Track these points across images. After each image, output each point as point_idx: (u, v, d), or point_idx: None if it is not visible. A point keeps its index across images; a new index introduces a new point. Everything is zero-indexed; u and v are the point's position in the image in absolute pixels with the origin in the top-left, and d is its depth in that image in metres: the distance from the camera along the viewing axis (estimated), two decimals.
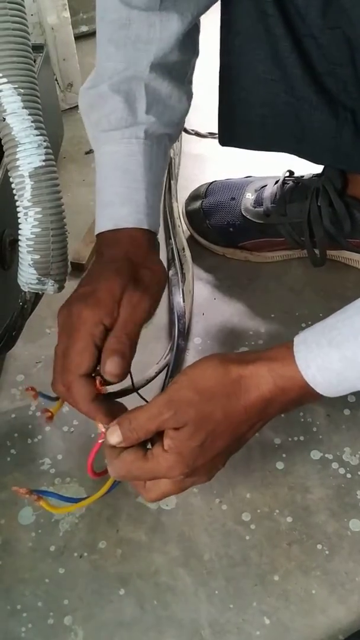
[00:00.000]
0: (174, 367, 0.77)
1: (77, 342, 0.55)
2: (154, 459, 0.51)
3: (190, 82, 0.71)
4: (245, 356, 0.52)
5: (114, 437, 0.52)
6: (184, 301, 0.84)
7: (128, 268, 0.58)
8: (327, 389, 0.50)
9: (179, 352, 0.78)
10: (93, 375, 0.56)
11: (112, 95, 0.64)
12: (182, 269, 0.89)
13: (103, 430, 0.54)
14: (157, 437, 0.52)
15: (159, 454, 0.51)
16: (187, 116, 0.71)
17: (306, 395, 0.51)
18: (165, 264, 0.90)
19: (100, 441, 0.54)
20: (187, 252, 0.90)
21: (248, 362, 0.51)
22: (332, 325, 0.49)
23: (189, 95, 0.70)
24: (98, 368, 0.56)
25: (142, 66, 0.64)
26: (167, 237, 0.94)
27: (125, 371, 0.56)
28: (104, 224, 0.63)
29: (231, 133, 0.82)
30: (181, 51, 0.66)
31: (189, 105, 0.70)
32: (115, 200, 0.63)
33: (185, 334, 0.81)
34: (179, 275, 0.87)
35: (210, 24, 0.71)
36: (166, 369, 0.76)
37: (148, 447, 0.53)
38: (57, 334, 0.58)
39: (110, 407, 0.56)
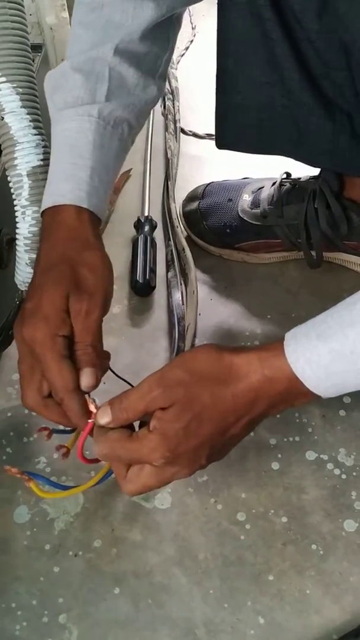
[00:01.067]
0: None
1: (49, 363, 0.54)
2: (138, 439, 0.52)
3: (163, 78, 0.69)
4: (238, 348, 0.53)
5: (104, 417, 0.53)
6: (184, 303, 0.85)
7: (67, 272, 0.57)
8: (317, 384, 0.50)
9: (178, 355, 0.78)
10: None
11: (73, 73, 0.63)
12: (183, 269, 0.89)
13: (94, 410, 0.54)
14: (145, 424, 0.53)
15: (144, 435, 0.52)
16: (153, 109, 0.70)
17: (295, 391, 0.50)
18: (164, 266, 0.90)
19: (90, 421, 0.54)
20: (188, 252, 0.90)
21: (241, 351, 0.52)
22: (322, 319, 0.50)
23: (159, 90, 0.68)
24: None
25: (107, 48, 0.63)
26: (167, 239, 0.94)
27: (99, 378, 0.56)
28: (46, 200, 0.61)
29: (228, 136, 0.82)
30: (151, 42, 0.65)
31: (157, 99, 0.68)
32: (59, 176, 0.61)
33: (184, 336, 0.81)
34: (179, 277, 0.87)
35: (208, 26, 0.72)
36: None
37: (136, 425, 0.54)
38: (18, 350, 0.57)
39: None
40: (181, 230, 0.94)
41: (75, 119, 0.62)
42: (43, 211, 0.61)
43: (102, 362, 0.57)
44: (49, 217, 0.60)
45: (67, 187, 0.60)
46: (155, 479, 0.53)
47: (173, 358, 0.78)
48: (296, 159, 0.80)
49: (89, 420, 0.54)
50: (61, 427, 0.60)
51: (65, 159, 0.61)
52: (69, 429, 0.61)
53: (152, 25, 0.64)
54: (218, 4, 0.68)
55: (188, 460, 0.53)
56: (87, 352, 0.56)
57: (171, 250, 0.91)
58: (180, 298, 0.85)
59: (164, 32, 0.66)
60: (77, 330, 0.56)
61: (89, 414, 0.55)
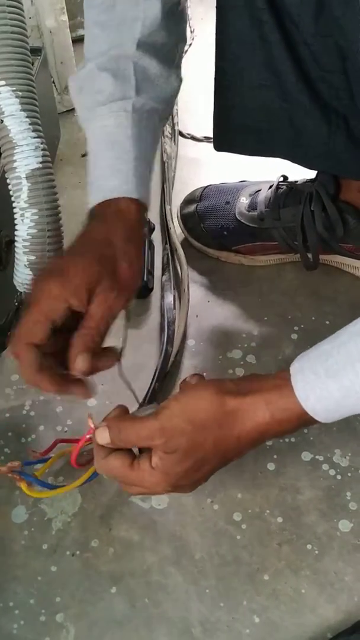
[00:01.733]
0: (160, 373, 0.77)
1: (34, 312, 0.54)
2: (140, 471, 0.52)
3: (179, 67, 0.70)
4: (242, 386, 0.52)
5: (103, 438, 0.53)
6: (177, 304, 0.85)
7: (108, 256, 0.57)
8: (326, 416, 0.50)
9: (165, 358, 0.79)
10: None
11: (100, 72, 0.63)
12: (175, 269, 0.90)
13: (92, 425, 0.55)
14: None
15: (146, 468, 0.52)
16: (177, 100, 0.71)
17: (302, 424, 0.51)
18: (160, 268, 0.91)
19: (87, 436, 0.55)
20: (181, 252, 0.91)
21: (245, 393, 0.51)
22: (328, 352, 0.49)
23: (179, 78, 0.69)
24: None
25: (129, 45, 0.64)
26: (164, 242, 0.95)
27: (92, 368, 0.55)
28: (93, 198, 0.61)
29: (226, 138, 0.82)
30: (167, 32, 0.66)
31: (179, 87, 0.69)
32: (105, 172, 0.62)
33: (173, 340, 0.81)
34: (172, 280, 0.88)
35: (207, 30, 0.72)
36: (154, 374, 0.77)
37: (135, 449, 0.54)
38: (27, 303, 0.56)
39: (59, 378, 0.55)
40: (174, 231, 0.95)
41: (112, 116, 0.63)
42: (93, 205, 0.61)
43: (105, 356, 0.56)
44: (102, 207, 0.61)
45: (116, 182, 0.61)
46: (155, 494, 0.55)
47: (160, 363, 0.79)
48: (293, 161, 0.81)
49: (87, 436, 0.55)
50: (32, 459, 0.63)
51: (109, 154, 0.62)
52: (36, 460, 0.63)
53: (166, 15, 0.64)
54: (217, 7, 0.69)
55: (189, 487, 0.55)
56: (94, 340, 0.55)
57: (167, 254, 0.91)
58: (172, 302, 0.85)
59: (175, 22, 0.67)
60: (96, 315, 0.54)
61: (38, 381, 0.54)
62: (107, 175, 0.61)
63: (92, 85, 0.64)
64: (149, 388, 0.76)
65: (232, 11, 0.68)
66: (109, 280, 0.55)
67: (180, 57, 0.70)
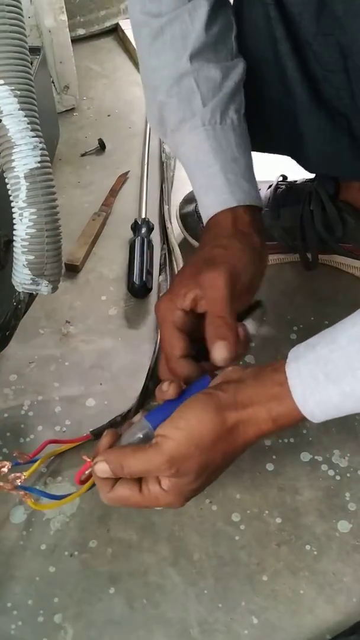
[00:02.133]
0: (154, 372, 0.77)
1: (163, 332, 0.60)
2: (152, 495, 0.52)
3: (239, 54, 0.70)
4: (238, 396, 0.51)
5: (103, 472, 0.52)
6: None
7: (201, 255, 0.61)
8: (324, 419, 0.50)
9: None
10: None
11: (169, 100, 0.66)
12: (172, 269, 0.90)
13: (88, 460, 0.55)
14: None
15: (157, 491, 0.52)
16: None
17: (300, 423, 0.51)
18: (157, 268, 0.91)
19: (87, 471, 0.56)
20: (177, 252, 0.91)
21: (245, 405, 0.50)
22: (326, 357, 0.48)
23: (242, 62, 0.69)
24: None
25: (183, 61, 0.65)
26: (162, 242, 0.94)
27: (234, 351, 0.56)
28: (203, 219, 0.66)
29: None
30: (216, 31, 0.66)
31: (244, 72, 0.69)
32: (199, 192, 0.66)
33: None
34: (169, 281, 0.88)
35: None
36: (147, 372, 0.78)
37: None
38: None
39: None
40: (172, 230, 0.95)
41: (186, 139, 0.66)
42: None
43: (233, 332, 0.57)
44: (209, 224, 0.65)
45: (210, 199, 0.64)
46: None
47: (153, 361, 0.79)
48: (296, 160, 0.81)
49: (87, 471, 0.56)
50: (20, 461, 0.63)
51: (198, 175, 0.66)
52: (23, 463, 0.64)
53: (210, 16, 0.65)
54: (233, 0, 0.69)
55: (200, 492, 0.55)
56: (218, 325, 0.56)
57: (165, 254, 0.91)
58: None
59: (225, 16, 0.68)
60: (209, 303, 0.57)
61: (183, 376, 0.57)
62: (202, 196, 0.66)
63: (166, 114, 0.67)
64: (143, 387, 0.76)
65: (248, 3, 0.68)
66: (207, 269, 0.58)
67: (237, 43, 0.69)
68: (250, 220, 0.63)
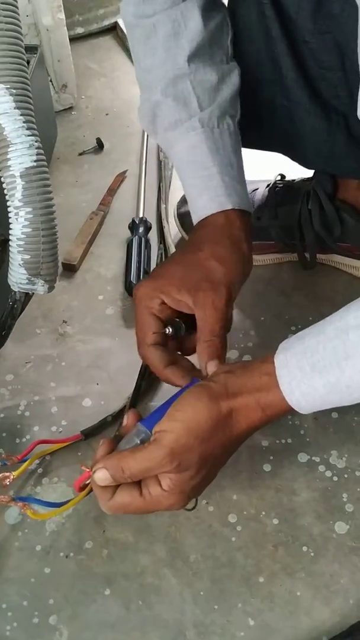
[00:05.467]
0: (146, 372, 0.76)
1: (139, 315, 0.61)
2: (153, 498, 0.51)
3: (231, 58, 0.70)
4: (229, 385, 0.52)
5: (103, 480, 0.52)
6: None
7: (196, 262, 0.61)
8: (310, 410, 0.51)
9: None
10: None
11: (163, 99, 0.66)
12: None
13: (87, 470, 0.54)
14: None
15: (159, 494, 0.51)
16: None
17: (289, 413, 0.52)
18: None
19: (87, 481, 0.56)
20: (173, 250, 0.91)
21: (235, 394, 0.52)
22: (313, 348, 0.49)
23: (237, 68, 0.69)
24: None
25: (180, 62, 0.65)
26: (159, 242, 0.94)
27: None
28: (194, 218, 0.65)
29: None
30: (212, 32, 0.66)
31: (239, 78, 0.69)
32: (194, 193, 0.65)
33: None
34: None
35: None
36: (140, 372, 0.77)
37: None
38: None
39: (185, 371, 0.60)
40: (169, 230, 0.94)
41: (182, 138, 0.66)
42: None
43: (224, 350, 0.60)
44: (202, 223, 0.65)
45: (205, 200, 0.64)
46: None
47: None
48: (292, 158, 0.80)
49: (87, 481, 0.55)
50: (7, 462, 0.63)
51: (192, 175, 0.66)
52: (11, 464, 0.64)
53: (204, 16, 0.65)
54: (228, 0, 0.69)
55: (202, 491, 0.55)
56: (214, 344, 0.58)
57: (162, 253, 0.91)
58: None
59: (219, 17, 0.68)
60: (203, 320, 0.59)
61: (169, 377, 0.60)
62: (195, 196, 0.65)
63: (160, 112, 0.67)
64: (135, 386, 0.75)
65: (241, 4, 0.68)
66: (203, 282, 0.59)
67: (231, 48, 0.70)
68: (242, 225, 0.64)
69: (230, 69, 0.68)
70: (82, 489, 0.57)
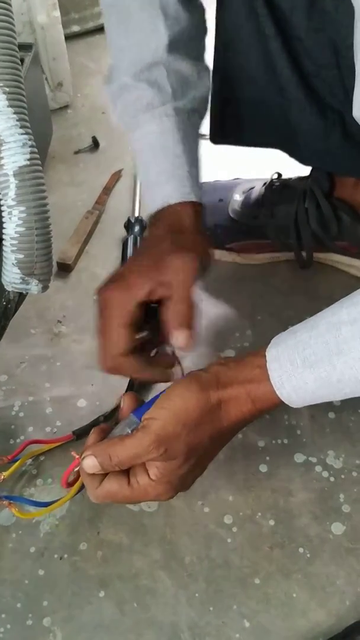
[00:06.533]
0: None
1: (110, 320, 0.57)
2: (141, 488, 0.51)
3: (205, 60, 0.71)
4: (220, 376, 0.52)
5: (91, 467, 0.52)
6: None
7: (163, 243, 0.59)
8: (301, 404, 0.51)
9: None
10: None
11: (136, 83, 0.65)
12: None
13: (77, 457, 0.54)
14: None
15: (146, 483, 0.51)
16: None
17: (279, 406, 0.52)
18: None
19: (75, 469, 0.55)
20: None
21: (225, 385, 0.52)
22: (305, 342, 0.49)
23: (208, 72, 0.70)
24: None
25: (159, 50, 0.65)
26: None
27: (194, 338, 0.56)
28: (153, 204, 0.63)
29: (223, 131, 0.82)
30: (191, 26, 0.66)
31: (210, 82, 0.69)
32: (160, 179, 0.63)
33: None
34: None
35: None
36: None
37: None
38: (96, 315, 0.59)
39: (144, 362, 0.58)
40: None
41: (154, 122, 0.64)
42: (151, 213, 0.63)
43: (194, 319, 0.57)
44: (157, 215, 0.62)
45: (172, 187, 0.62)
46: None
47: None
48: (289, 154, 0.80)
49: (75, 469, 0.55)
50: None
51: (160, 160, 0.64)
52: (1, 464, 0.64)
53: (185, 7, 0.65)
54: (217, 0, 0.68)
55: (190, 485, 0.55)
56: (181, 312, 0.56)
57: None
58: None
59: (197, 14, 0.68)
60: (173, 286, 0.56)
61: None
62: (162, 182, 0.63)
63: (129, 95, 0.66)
64: (129, 382, 0.75)
65: (231, 3, 0.67)
66: (173, 257, 0.57)
67: (205, 49, 0.70)
68: (201, 220, 0.63)
69: (205, 68, 0.68)
70: (70, 484, 0.57)
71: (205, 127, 0.82)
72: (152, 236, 0.62)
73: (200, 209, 0.63)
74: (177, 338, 0.55)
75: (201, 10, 0.70)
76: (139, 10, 0.64)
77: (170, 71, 0.65)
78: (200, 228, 0.62)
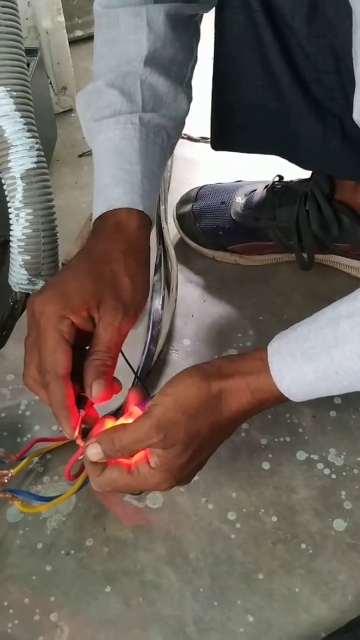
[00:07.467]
0: (142, 371, 0.77)
1: (47, 339, 0.52)
2: (141, 476, 0.52)
3: (189, 87, 0.70)
4: (222, 368, 0.53)
5: (94, 454, 0.53)
6: (164, 307, 0.85)
7: (107, 272, 0.55)
8: (301, 398, 0.52)
9: (148, 357, 0.79)
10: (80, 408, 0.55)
11: (107, 89, 0.64)
12: (167, 270, 0.90)
13: (82, 445, 0.55)
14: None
15: (146, 471, 0.52)
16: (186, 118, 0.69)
17: (280, 401, 0.53)
18: (152, 268, 0.91)
19: (79, 457, 0.56)
20: (172, 252, 0.91)
21: (227, 376, 0.53)
22: (305, 336, 0.51)
23: (189, 97, 0.68)
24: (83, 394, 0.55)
25: (137, 61, 0.64)
26: (158, 242, 0.95)
27: (110, 392, 0.55)
28: (98, 208, 0.60)
29: (223, 138, 0.83)
30: (175, 48, 0.66)
31: (188, 107, 0.68)
32: (110, 182, 0.61)
33: (157, 339, 0.82)
34: (162, 281, 0.88)
35: (205, 30, 0.72)
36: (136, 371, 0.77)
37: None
38: (27, 324, 0.56)
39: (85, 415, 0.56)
40: (167, 230, 0.95)
41: (118, 128, 0.62)
42: (97, 217, 0.60)
43: (116, 382, 0.56)
44: (103, 220, 0.59)
45: (120, 191, 0.59)
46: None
47: (142, 361, 0.79)
48: (290, 160, 0.81)
49: (79, 457, 0.56)
50: (5, 461, 0.64)
51: (114, 165, 0.61)
52: (8, 462, 0.64)
53: (173, 27, 0.65)
54: (215, 8, 0.69)
55: (190, 477, 0.56)
56: (107, 364, 0.54)
57: (160, 254, 0.92)
58: (160, 303, 0.85)
59: (186, 38, 0.67)
60: (102, 339, 0.54)
61: (66, 416, 0.53)
62: (111, 186, 0.60)
63: (99, 99, 0.64)
64: (134, 378, 0.76)
65: (229, 12, 0.68)
66: (112, 299, 0.54)
67: (191, 77, 0.69)
68: (148, 235, 0.61)
69: (184, 93, 0.67)
70: (72, 477, 0.58)
71: (206, 132, 0.84)
72: (94, 247, 0.58)
73: (147, 222, 0.60)
74: (94, 388, 0.53)
75: (193, 38, 0.69)
76: (125, 20, 0.64)
77: (145, 83, 0.64)
78: (146, 247, 0.60)
